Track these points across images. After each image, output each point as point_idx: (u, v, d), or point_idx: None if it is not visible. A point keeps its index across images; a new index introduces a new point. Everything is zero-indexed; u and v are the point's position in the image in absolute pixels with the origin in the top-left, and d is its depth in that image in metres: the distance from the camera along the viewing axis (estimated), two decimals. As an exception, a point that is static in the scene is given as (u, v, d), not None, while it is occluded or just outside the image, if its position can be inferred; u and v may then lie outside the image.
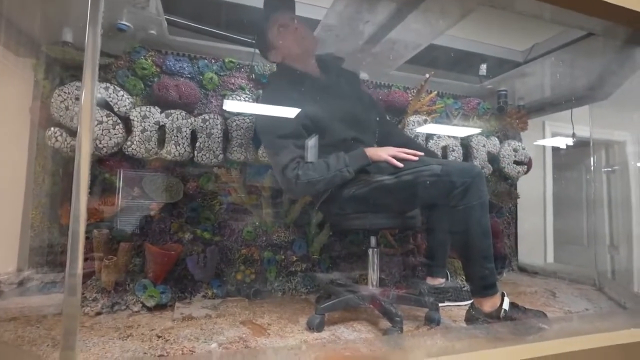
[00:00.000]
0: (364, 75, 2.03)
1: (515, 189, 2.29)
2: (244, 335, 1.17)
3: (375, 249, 1.39)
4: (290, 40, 1.43)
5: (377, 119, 1.57)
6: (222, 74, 1.74)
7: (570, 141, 2.62)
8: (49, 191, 1.59)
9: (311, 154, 1.33)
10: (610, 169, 2.94)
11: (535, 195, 2.71)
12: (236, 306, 1.50)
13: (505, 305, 1.14)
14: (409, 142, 1.63)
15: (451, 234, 1.25)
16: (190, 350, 1.05)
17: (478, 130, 2.09)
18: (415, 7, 1.33)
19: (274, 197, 1.75)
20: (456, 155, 1.97)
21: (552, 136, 2.74)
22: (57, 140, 1.46)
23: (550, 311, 1.48)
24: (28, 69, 1.68)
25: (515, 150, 2.12)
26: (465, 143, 2.02)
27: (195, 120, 1.60)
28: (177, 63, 1.65)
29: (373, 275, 1.38)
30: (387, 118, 1.74)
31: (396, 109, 1.96)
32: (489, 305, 1.15)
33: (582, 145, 2.65)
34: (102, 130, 1.48)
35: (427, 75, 1.86)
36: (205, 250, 1.62)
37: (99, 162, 1.53)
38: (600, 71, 1.89)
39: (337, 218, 1.40)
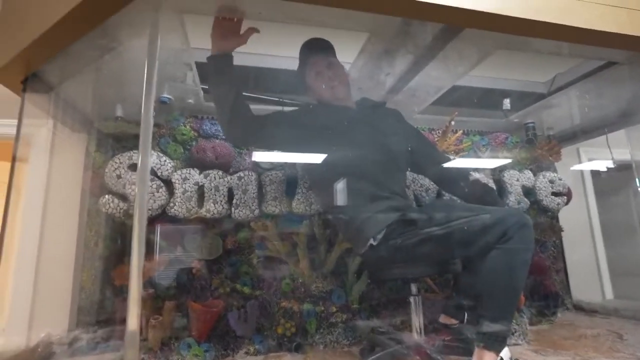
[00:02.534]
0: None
1: (558, 221, 2.19)
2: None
3: (417, 296, 1.35)
4: (324, 84, 1.46)
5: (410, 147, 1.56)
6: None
7: (609, 164, 2.53)
8: (101, 254, 1.69)
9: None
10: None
11: (580, 225, 2.57)
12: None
13: (505, 357, 1.09)
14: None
15: (483, 274, 1.19)
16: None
17: (507, 161, 2.06)
18: (434, 57, 1.40)
19: (309, 247, 1.77)
20: (490, 191, 1.94)
21: (589, 162, 2.65)
22: (110, 206, 1.58)
23: (619, 357, 1.36)
24: (82, 143, 1.87)
25: (551, 182, 2.06)
26: (498, 178, 1.99)
27: (231, 179, 1.69)
28: (213, 126, 1.78)
29: (416, 322, 1.33)
30: (427, 143, 1.72)
31: (423, 150, 1.98)
32: None
33: (623, 169, 2.54)
34: (148, 194, 1.59)
35: (453, 117, 1.89)
36: (246, 305, 1.63)
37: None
38: (630, 97, 1.86)
39: (379, 267, 1.39)
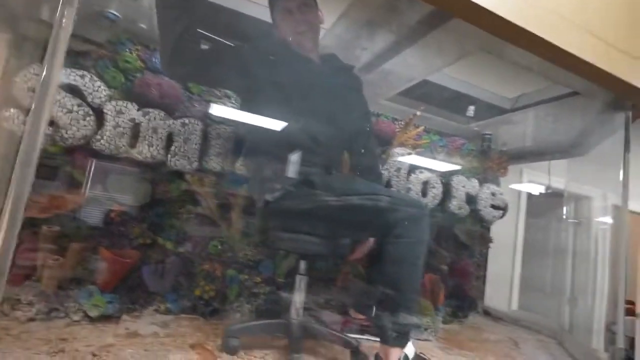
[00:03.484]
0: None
1: (489, 232, 2.30)
2: (191, 362, 1.07)
3: (304, 276, 1.28)
4: (293, 25, 1.29)
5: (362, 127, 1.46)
6: (209, 78, 1.67)
7: (544, 189, 2.70)
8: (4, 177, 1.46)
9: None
10: (576, 221, 3.02)
11: (506, 240, 2.74)
12: (189, 325, 1.39)
13: (409, 353, 1.09)
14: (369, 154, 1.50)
15: (382, 268, 1.14)
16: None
17: (457, 168, 2.10)
18: (414, 42, 1.32)
19: (245, 212, 1.67)
20: (436, 192, 1.96)
21: (528, 183, 2.80)
22: (14, 123, 1.34)
23: (512, 364, 1.46)
24: (3, 44, 1.57)
25: (493, 194, 2.14)
26: (446, 181, 2.02)
27: (173, 123, 1.52)
28: (164, 61, 1.57)
29: (297, 302, 1.26)
30: (369, 127, 1.56)
31: (382, 138, 1.94)
32: (395, 357, 1.08)
33: (555, 196, 2.72)
34: (71, 119, 1.37)
35: (418, 112, 1.86)
36: (165, 261, 1.52)
37: (64, 152, 1.42)
38: (582, 128, 1.95)
39: (271, 230, 1.27)
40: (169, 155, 1.52)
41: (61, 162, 1.41)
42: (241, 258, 1.67)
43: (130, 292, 1.44)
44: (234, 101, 1.66)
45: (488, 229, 2.30)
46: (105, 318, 1.31)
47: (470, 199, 2.08)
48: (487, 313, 2.43)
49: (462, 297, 2.06)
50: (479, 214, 2.12)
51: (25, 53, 1.42)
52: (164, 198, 1.57)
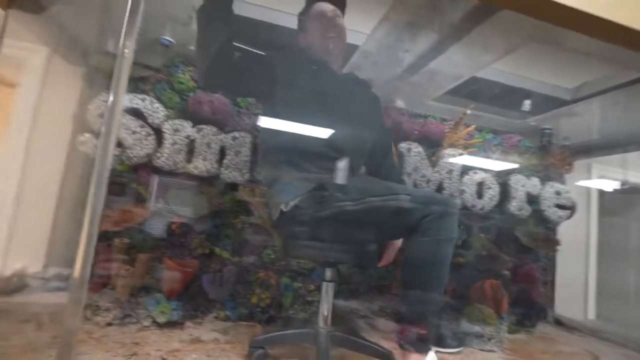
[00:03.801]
0: (399, 103, 1.98)
1: (555, 234, 2.12)
2: (250, 368, 1.10)
3: (330, 283, 1.22)
4: (320, 30, 1.31)
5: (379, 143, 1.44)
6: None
7: (619, 185, 2.44)
8: (78, 194, 1.62)
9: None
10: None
11: (577, 241, 2.51)
12: (247, 332, 1.43)
13: None
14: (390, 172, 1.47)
15: (405, 269, 1.09)
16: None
17: (515, 166, 1.97)
18: (458, 40, 1.28)
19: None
20: (493, 192, 1.85)
21: (599, 179, 2.55)
22: (88, 146, 1.49)
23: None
24: (78, 77, 1.76)
25: (557, 193, 1.98)
26: (503, 181, 1.90)
27: (225, 137, 1.60)
28: (214, 80, 1.66)
29: (324, 310, 1.21)
30: (388, 145, 1.54)
31: (431, 140, 1.88)
32: None
33: (632, 192, 2.45)
34: (135, 140, 1.50)
35: (467, 111, 1.79)
36: (223, 269, 1.58)
37: (130, 170, 1.55)
38: (659, 116, 1.75)
39: (291, 240, 1.24)
40: (222, 168, 1.59)
41: (128, 179, 1.54)
42: (294, 266, 1.69)
43: (192, 300, 1.52)
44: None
45: (554, 231, 2.13)
46: (171, 324, 1.40)
47: (532, 199, 1.94)
48: (559, 322, 2.23)
49: (528, 305, 1.92)
50: (543, 215, 1.97)
51: (96, 83, 1.58)
52: (219, 209, 1.65)
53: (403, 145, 1.78)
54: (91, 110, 1.50)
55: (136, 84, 1.61)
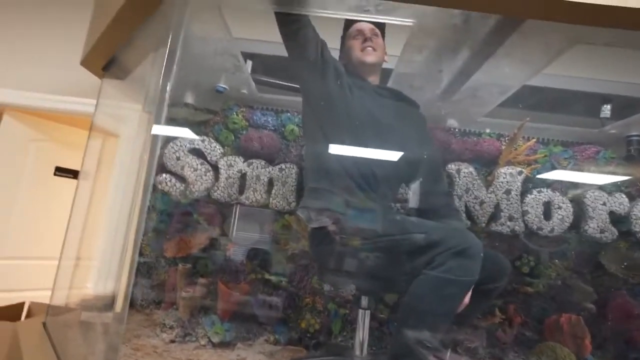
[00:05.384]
0: (452, 122, 1.90)
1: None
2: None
3: (366, 311, 1.23)
4: (360, 43, 1.31)
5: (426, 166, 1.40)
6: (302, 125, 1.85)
7: None
8: (156, 227, 1.88)
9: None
10: None
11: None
12: (292, 357, 1.48)
13: None
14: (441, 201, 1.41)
15: (405, 301, 1.04)
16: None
17: (597, 181, 1.71)
18: (492, 54, 1.21)
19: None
20: (563, 213, 1.64)
21: None
22: (166, 185, 1.74)
23: None
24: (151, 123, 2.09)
25: (656, 211, 1.65)
26: (577, 199, 1.67)
27: (272, 169, 1.73)
28: (263, 117, 1.83)
29: (359, 337, 1.22)
30: (438, 170, 1.50)
31: (486, 159, 1.76)
32: None
33: None
34: (196, 176, 1.71)
35: (522, 123, 1.64)
36: (274, 294, 1.67)
37: (191, 204, 1.77)
38: None
39: (320, 260, 1.28)
40: (271, 198, 1.71)
41: (191, 210, 1.75)
42: (342, 291, 1.70)
43: (245, 323, 1.63)
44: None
45: (658, 256, 1.77)
46: (224, 344, 1.51)
47: (619, 219, 1.66)
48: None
49: (625, 347, 1.60)
50: (637, 238, 1.66)
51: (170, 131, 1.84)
52: (269, 237, 1.76)
53: (451, 167, 1.69)
54: (168, 153, 1.75)
55: (199, 127, 1.85)
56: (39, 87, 2.16)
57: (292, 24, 1.14)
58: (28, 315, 1.77)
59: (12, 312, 1.76)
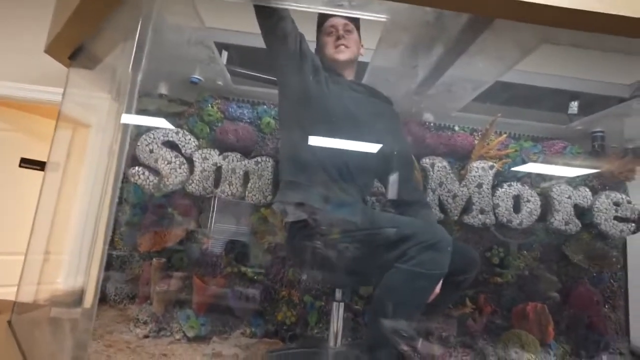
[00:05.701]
0: (427, 117, 1.93)
1: (620, 251, 1.86)
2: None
3: (340, 303, 1.25)
4: (333, 40, 1.31)
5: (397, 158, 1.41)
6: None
7: None
8: (129, 221, 1.84)
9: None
10: None
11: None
12: (267, 349, 1.49)
13: None
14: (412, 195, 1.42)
15: (378, 292, 1.08)
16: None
17: (565, 174, 1.78)
18: (464, 51, 1.23)
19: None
20: (532, 206, 1.70)
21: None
22: (139, 178, 1.69)
23: None
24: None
25: (616, 204, 1.74)
26: (544, 192, 1.73)
27: (248, 163, 1.71)
28: (238, 109, 1.80)
29: (334, 329, 1.24)
30: (408, 164, 1.49)
31: (459, 154, 1.80)
32: None
33: None
34: (170, 169, 1.67)
35: (493, 120, 1.68)
36: (249, 287, 1.67)
37: (166, 197, 1.73)
38: None
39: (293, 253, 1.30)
40: (247, 192, 1.70)
41: (164, 204, 1.72)
42: (318, 284, 1.72)
43: (220, 317, 1.62)
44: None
45: (618, 248, 1.86)
46: (199, 338, 1.51)
47: (583, 212, 1.73)
48: (636, 355, 1.92)
49: (585, 332, 1.69)
50: (600, 229, 1.74)
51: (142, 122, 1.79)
52: (246, 230, 1.75)
53: (426, 161, 1.72)
54: (141, 146, 1.70)
55: (173, 119, 1.81)
56: (2, 75, 2.05)
57: (271, 17, 1.13)
58: (-7, 313, 1.71)
59: (-25, 310, 1.69)
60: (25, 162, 2.48)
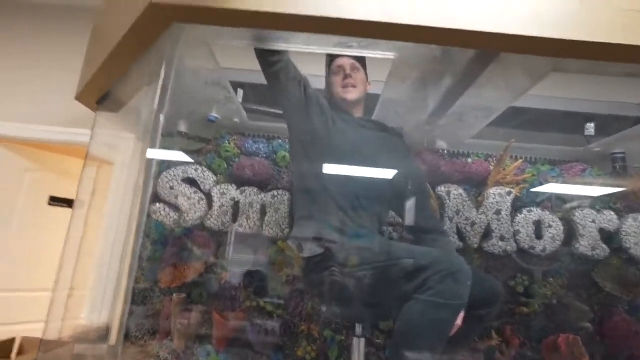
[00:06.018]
0: (441, 144, 1.93)
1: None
2: None
3: (361, 339, 1.23)
4: (341, 80, 1.35)
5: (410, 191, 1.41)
6: (294, 151, 1.88)
7: None
8: (151, 256, 1.88)
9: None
10: None
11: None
12: (288, 387, 1.46)
13: None
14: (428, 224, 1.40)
15: (398, 324, 1.05)
16: None
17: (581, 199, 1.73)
18: (472, 83, 1.26)
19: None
20: (554, 232, 1.65)
21: None
22: (160, 214, 1.74)
23: None
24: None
25: (645, 227, 1.67)
26: (566, 217, 1.69)
27: (265, 196, 1.74)
28: (254, 145, 1.85)
29: None
30: (423, 192, 1.48)
31: (475, 181, 1.79)
32: None
33: None
34: (190, 205, 1.72)
35: (508, 145, 1.68)
36: (269, 321, 1.66)
37: (185, 232, 1.77)
38: None
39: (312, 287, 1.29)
40: (264, 225, 1.72)
41: (184, 239, 1.75)
42: (338, 319, 1.69)
43: (240, 352, 1.61)
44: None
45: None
46: (219, 376, 1.49)
47: (610, 236, 1.67)
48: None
49: (625, 365, 1.59)
50: (629, 254, 1.68)
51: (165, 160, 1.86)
52: (264, 264, 1.76)
53: (442, 189, 1.72)
54: (161, 183, 1.76)
55: (192, 156, 1.87)
56: (33, 119, 2.18)
57: (272, 66, 1.19)
58: (20, 351, 1.75)
59: (2, 349, 1.73)
60: (54, 200, 2.59)
